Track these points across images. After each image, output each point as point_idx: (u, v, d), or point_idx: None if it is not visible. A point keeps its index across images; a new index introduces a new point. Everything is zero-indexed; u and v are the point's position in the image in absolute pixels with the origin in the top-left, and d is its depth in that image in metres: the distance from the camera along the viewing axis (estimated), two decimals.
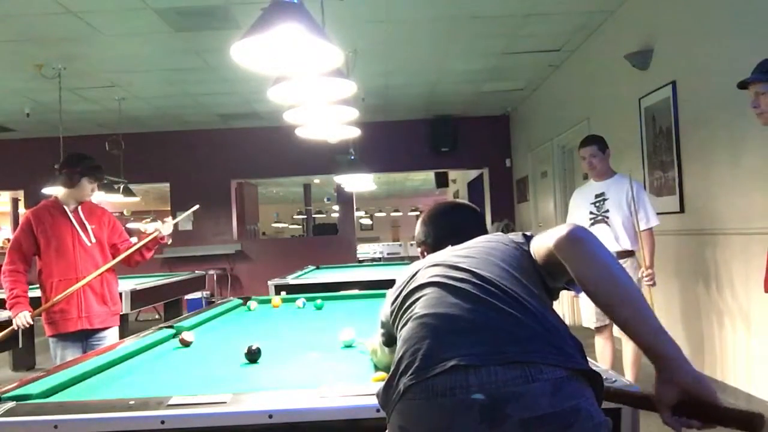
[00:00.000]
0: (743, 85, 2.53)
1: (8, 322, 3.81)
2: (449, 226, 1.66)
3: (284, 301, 3.61)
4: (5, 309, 4.00)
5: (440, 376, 1.06)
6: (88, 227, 3.42)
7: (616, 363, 4.00)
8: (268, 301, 3.59)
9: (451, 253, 1.40)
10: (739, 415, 1.02)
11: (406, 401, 1.09)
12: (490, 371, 1.04)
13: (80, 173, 3.37)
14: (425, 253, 1.65)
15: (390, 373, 1.18)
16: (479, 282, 1.24)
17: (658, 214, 3.90)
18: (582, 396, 1.06)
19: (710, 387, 1.05)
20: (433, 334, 1.16)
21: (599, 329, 3.94)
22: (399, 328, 1.32)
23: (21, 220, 3.39)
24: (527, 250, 1.35)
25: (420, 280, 1.35)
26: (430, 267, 1.38)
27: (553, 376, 1.04)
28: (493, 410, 1.01)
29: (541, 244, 1.30)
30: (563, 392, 1.03)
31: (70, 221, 3.38)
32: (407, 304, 1.33)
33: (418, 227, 1.73)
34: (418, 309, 1.26)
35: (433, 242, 1.64)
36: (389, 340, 1.58)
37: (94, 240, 3.43)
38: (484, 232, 1.60)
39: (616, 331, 3.94)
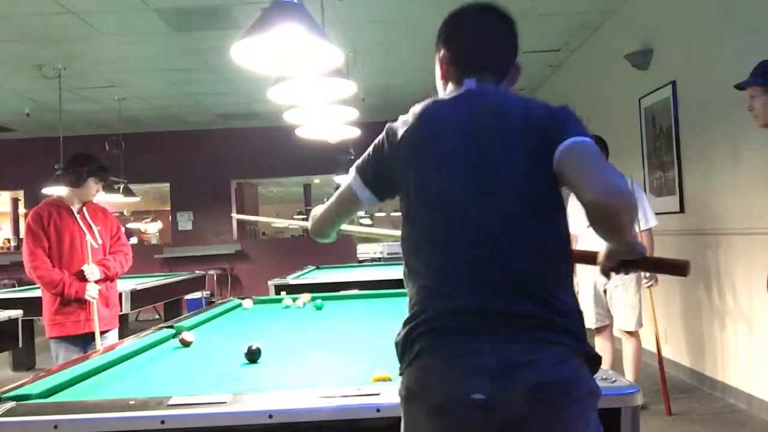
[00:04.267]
0: (741, 87, 2.55)
1: (8, 322, 3.82)
2: (474, 44, 1.41)
3: (261, 302, 3.60)
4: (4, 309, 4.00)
5: (455, 342, 1.14)
6: (94, 228, 3.41)
7: (616, 363, 4.00)
8: (275, 301, 3.59)
9: (468, 170, 1.24)
10: (669, 261, 1.28)
11: (422, 361, 1.16)
12: (505, 338, 1.13)
13: (87, 173, 3.36)
14: (449, 74, 1.42)
15: (408, 315, 1.23)
16: (497, 248, 1.18)
17: (657, 214, 3.90)
18: (580, 369, 1.15)
19: (644, 249, 1.22)
20: (451, 285, 1.19)
21: (599, 329, 3.95)
22: (408, 198, 1.29)
23: (29, 217, 3.32)
24: (551, 162, 1.20)
25: (442, 162, 1.25)
26: (453, 153, 1.25)
27: (560, 350, 1.13)
28: (504, 373, 1.08)
29: (577, 178, 1.17)
30: (566, 365, 1.12)
31: (77, 222, 3.37)
32: (422, 174, 1.27)
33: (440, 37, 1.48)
34: (431, 221, 1.23)
35: (461, 62, 1.40)
36: (372, 179, 1.41)
37: (100, 242, 3.43)
38: (513, 56, 1.40)
39: (616, 331, 3.94)
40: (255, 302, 3.51)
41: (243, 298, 3.58)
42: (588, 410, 1.13)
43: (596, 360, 1.20)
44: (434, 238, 1.23)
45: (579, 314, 1.21)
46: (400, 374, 1.21)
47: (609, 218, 1.12)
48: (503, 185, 1.21)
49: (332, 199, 1.55)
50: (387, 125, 1.39)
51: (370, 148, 1.43)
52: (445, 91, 1.44)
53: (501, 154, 1.23)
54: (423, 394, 1.14)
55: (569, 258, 1.28)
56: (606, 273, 1.29)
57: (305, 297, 3.44)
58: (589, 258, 1.33)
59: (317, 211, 1.65)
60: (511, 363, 1.09)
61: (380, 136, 1.40)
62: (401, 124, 1.35)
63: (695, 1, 4.14)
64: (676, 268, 1.25)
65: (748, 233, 3.61)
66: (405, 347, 1.21)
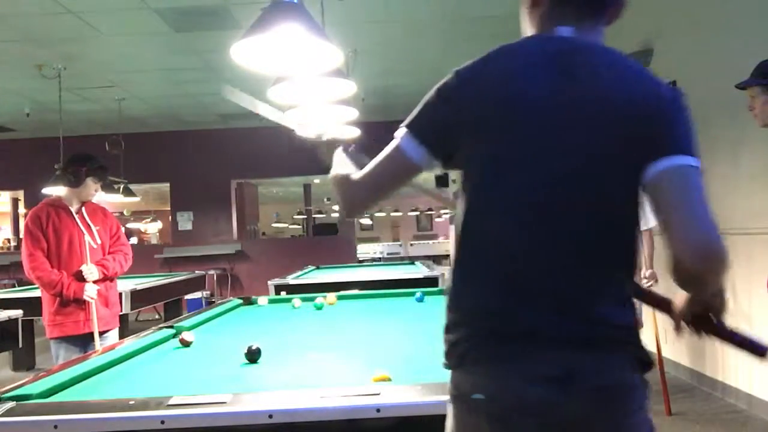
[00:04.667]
0: (742, 87, 2.56)
1: (8, 322, 3.82)
2: None
3: (282, 301, 3.62)
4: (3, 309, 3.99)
5: (513, 352, 1.03)
6: (93, 228, 3.41)
7: None
8: (286, 300, 3.60)
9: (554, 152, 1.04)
10: (748, 339, 1.12)
11: (478, 367, 1.05)
12: (562, 349, 1.03)
13: (86, 173, 3.36)
14: (540, 5, 1.18)
15: (457, 316, 1.08)
16: (576, 243, 1.04)
17: None
18: (636, 372, 1.08)
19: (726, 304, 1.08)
20: (503, 296, 1.05)
21: None
22: (469, 178, 1.09)
23: (28, 218, 3.33)
24: (641, 170, 1.02)
25: (511, 147, 1.05)
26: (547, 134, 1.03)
27: (617, 356, 1.06)
28: (563, 379, 1.01)
29: (672, 212, 1.00)
30: (624, 370, 1.05)
31: (76, 222, 3.37)
32: (490, 155, 1.06)
33: None
34: (489, 217, 1.06)
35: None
36: (433, 137, 1.13)
37: (99, 241, 3.42)
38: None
39: None
40: (269, 301, 3.59)
41: (244, 298, 3.59)
42: (646, 412, 1.08)
43: (649, 365, 1.13)
44: (489, 238, 1.07)
45: (635, 328, 1.11)
46: (448, 368, 1.11)
47: (694, 277, 1.00)
48: (573, 194, 1.03)
49: (371, 170, 1.21)
50: (454, 71, 1.12)
51: (429, 97, 1.13)
52: (531, 28, 1.19)
53: (582, 151, 1.03)
54: (473, 401, 1.05)
55: (633, 273, 1.12)
56: (679, 324, 1.15)
57: (331, 297, 3.44)
58: (661, 304, 1.21)
59: (338, 177, 1.32)
60: (569, 370, 1.01)
61: (446, 82, 1.12)
62: (473, 74, 1.09)
63: (695, 1, 4.14)
64: (754, 349, 1.12)
65: (748, 233, 3.61)
66: (454, 350, 1.09)
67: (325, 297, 3.42)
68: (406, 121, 1.15)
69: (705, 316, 1.11)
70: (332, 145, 1.53)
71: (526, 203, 1.04)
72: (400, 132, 1.16)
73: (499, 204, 1.06)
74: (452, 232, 1.32)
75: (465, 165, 1.10)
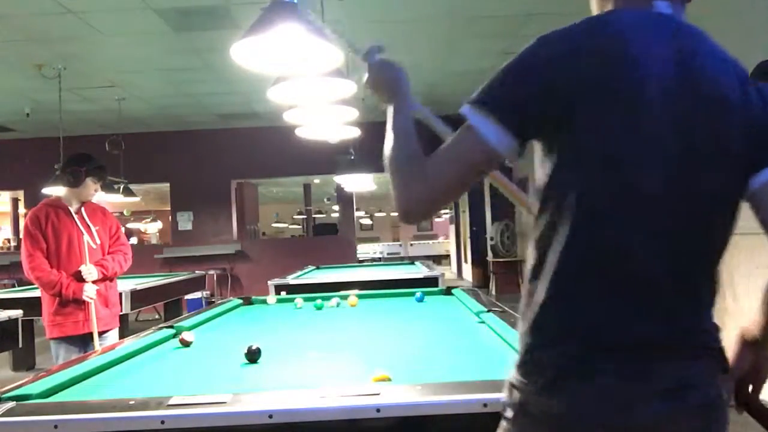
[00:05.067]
0: None
1: (8, 322, 3.82)
2: None
3: (282, 300, 3.62)
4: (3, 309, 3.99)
5: (618, 366, 0.93)
6: (93, 228, 3.41)
7: None
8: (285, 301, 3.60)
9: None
10: None
11: (576, 385, 0.93)
12: (669, 359, 0.97)
13: (85, 173, 3.37)
14: None
15: (551, 328, 0.96)
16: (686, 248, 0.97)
17: None
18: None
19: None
20: (620, 302, 0.94)
21: None
22: (569, 164, 0.93)
23: (27, 219, 3.33)
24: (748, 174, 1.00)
25: (635, 135, 0.91)
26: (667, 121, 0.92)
27: (712, 365, 1.02)
28: (670, 394, 0.94)
29: None
30: (718, 380, 1.01)
31: (75, 222, 3.37)
32: (602, 143, 0.91)
33: None
34: (606, 213, 0.92)
35: None
36: (519, 117, 0.93)
37: (98, 242, 3.42)
38: None
39: None
40: (278, 300, 3.62)
41: (244, 298, 3.59)
42: None
43: (727, 368, 1.09)
44: (603, 242, 0.94)
45: (720, 332, 1.08)
46: (540, 390, 0.96)
47: None
48: (692, 196, 0.96)
49: (437, 159, 0.99)
50: (540, 39, 0.95)
51: (509, 68, 0.95)
52: (612, 1, 1.05)
53: (702, 150, 0.94)
54: (577, 420, 0.93)
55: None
56: (738, 398, 1.08)
57: (352, 298, 3.42)
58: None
59: (396, 160, 1.06)
60: (681, 383, 0.95)
61: (531, 52, 0.95)
62: (570, 45, 0.93)
63: (694, 2, 4.14)
64: None
65: (748, 233, 3.59)
66: (547, 369, 0.96)
67: (346, 298, 3.42)
68: (477, 97, 0.95)
69: (746, 386, 1.10)
70: (381, 79, 1.26)
71: (648, 204, 0.93)
72: (475, 111, 0.94)
73: (615, 203, 0.93)
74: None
75: (565, 155, 0.94)
